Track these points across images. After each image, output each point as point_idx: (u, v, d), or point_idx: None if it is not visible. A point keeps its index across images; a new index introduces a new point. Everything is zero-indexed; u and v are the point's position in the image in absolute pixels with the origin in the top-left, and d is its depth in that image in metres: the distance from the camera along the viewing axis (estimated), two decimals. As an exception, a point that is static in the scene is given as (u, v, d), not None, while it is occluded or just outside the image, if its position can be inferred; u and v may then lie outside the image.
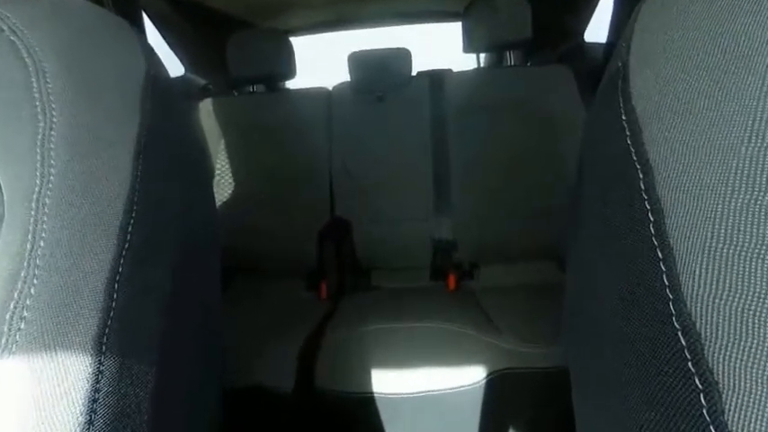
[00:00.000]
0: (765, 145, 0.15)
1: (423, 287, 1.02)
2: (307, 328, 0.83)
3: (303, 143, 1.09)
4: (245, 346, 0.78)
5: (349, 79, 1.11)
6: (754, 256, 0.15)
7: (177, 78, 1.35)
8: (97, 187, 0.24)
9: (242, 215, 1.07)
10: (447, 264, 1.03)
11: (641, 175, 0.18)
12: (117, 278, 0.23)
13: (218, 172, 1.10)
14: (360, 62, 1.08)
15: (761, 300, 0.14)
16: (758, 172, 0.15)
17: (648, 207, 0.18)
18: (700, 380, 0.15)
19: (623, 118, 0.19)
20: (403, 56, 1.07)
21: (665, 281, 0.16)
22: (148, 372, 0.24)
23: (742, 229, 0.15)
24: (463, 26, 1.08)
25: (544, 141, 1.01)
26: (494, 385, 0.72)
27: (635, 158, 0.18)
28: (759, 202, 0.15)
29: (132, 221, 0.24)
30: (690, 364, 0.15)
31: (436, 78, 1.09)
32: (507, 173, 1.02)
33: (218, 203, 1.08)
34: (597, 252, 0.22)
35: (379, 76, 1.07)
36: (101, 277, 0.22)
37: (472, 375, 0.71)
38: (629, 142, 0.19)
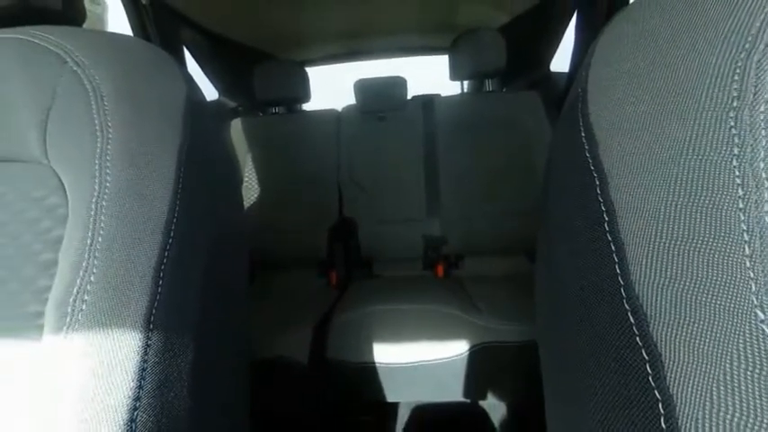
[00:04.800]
0: (700, 157, 0.15)
1: (416, 275, 1.02)
2: (320, 311, 0.83)
3: (316, 155, 1.09)
4: (268, 325, 0.78)
5: (354, 102, 1.11)
6: (691, 248, 0.15)
7: (212, 102, 1.35)
8: (146, 191, 0.24)
9: (265, 216, 1.07)
10: (437, 256, 1.03)
11: (597, 182, 0.18)
12: (162, 267, 0.23)
13: (245, 180, 1.10)
14: (364, 88, 1.08)
15: (697, 285, 0.14)
16: (694, 179, 0.15)
17: (603, 209, 0.18)
18: (646, 351, 0.15)
19: (583, 135, 0.19)
20: (400, 83, 1.08)
21: (617, 270, 0.17)
22: (188, 347, 0.24)
23: (681, 225, 0.15)
24: (449, 58, 1.08)
25: (518, 155, 1.02)
26: (475, 356, 0.71)
27: (592, 168, 0.18)
28: (695, 204, 0.15)
29: (175, 220, 0.24)
30: (638, 338, 0.15)
31: (428, 102, 1.09)
32: (487, 181, 1.02)
33: (245, 207, 1.08)
34: (561, 247, 0.22)
35: (381, 99, 1.07)
36: (149, 266, 0.22)
37: (457, 348, 0.71)
38: (587, 155, 0.19)
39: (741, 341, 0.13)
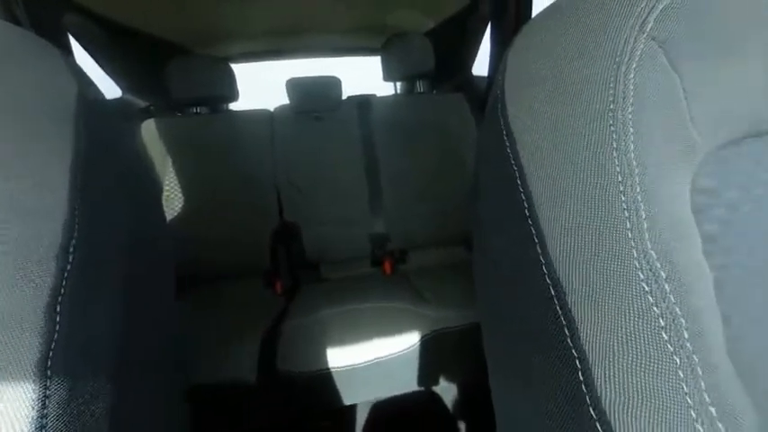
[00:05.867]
0: (592, 151, 0.18)
1: (364, 274, 1.02)
2: (266, 321, 0.78)
3: (249, 158, 1.02)
4: (210, 345, 0.71)
5: (287, 102, 1.07)
6: (591, 228, 0.17)
7: (114, 100, 1.17)
8: (30, 207, 0.19)
9: (196, 227, 0.96)
10: (382, 253, 1.05)
11: (517, 174, 0.20)
12: (59, 299, 0.19)
13: (166, 189, 0.98)
14: (297, 87, 1.04)
15: (596, 258, 0.17)
16: (589, 169, 0.18)
17: (524, 198, 0.20)
18: (564, 319, 0.17)
19: (504, 132, 0.21)
20: (335, 83, 1.06)
21: (538, 249, 0.19)
22: (102, 390, 0.20)
23: (582, 209, 0.18)
24: (382, 60, 1.10)
25: (450, 153, 1.09)
26: (426, 345, 0.75)
27: (513, 162, 0.20)
28: (591, 190, 0.18)
29: (74, 241, 0.20)
30: (558, 308, 0.18)
31: (363, 102, 1.10)
32: (424, 179, 1.06)
33: (169, 218, 0.96)
34: (492, 234, 0.24)
35: (315, 99, 1.05)
36: (40, 301, 0.18)
37: (409, 340, 0.74)
38: (508, 150, 0.21)
39: (630, 299, 0.16)
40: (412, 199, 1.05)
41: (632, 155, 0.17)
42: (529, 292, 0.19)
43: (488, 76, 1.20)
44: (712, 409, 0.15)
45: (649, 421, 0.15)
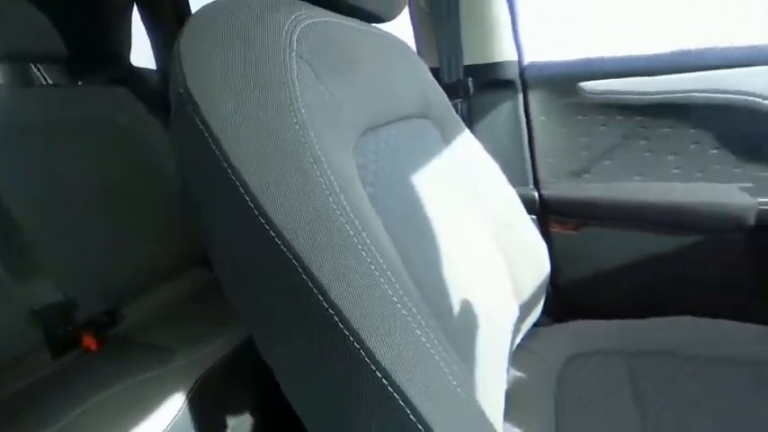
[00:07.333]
0: (288, 142, 0.22)
1: (55, 370, 0.63)
2: None
3: None
4: None
5: None
6: (298, 201, 0.22)
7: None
8: None
9: None
10: (71, 328, 0.68)
11: (228, 168, 0.22)
12: None
13: None
14: None
15: (309, 218, 0.22)
16: (289, 155, 0.22)
17: (242, 191, 0.22)
18: (306, 274, 0.21)
19: (202, 128, 0.22)
20: None
21: (272, 234, 0.21)
22: None
23: (279, 174, 0.22)
24: None
25: (130, 158, 0.83)
26: (196, 400, 0.59)
27: (218, 153, 0.22)
28: (295, 169, 0.22)
29: None
30: (292, 260, 0.21)
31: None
32: (100, 196, 0.75)
33: None
34: (221, 234, 0.25)
35: None
36: None
37: (170, 411, 0.55)
38: (211, 144, 0.22)
39: (332, 230, 0.22)
40: (88, 229, 0.73)
41: (315, 145, 0.22)
42: (270, 267, 0.22)
43: (158, 68, 1.01)
44: (397, 285, 0.23)
45: (357, 298, 0.21)
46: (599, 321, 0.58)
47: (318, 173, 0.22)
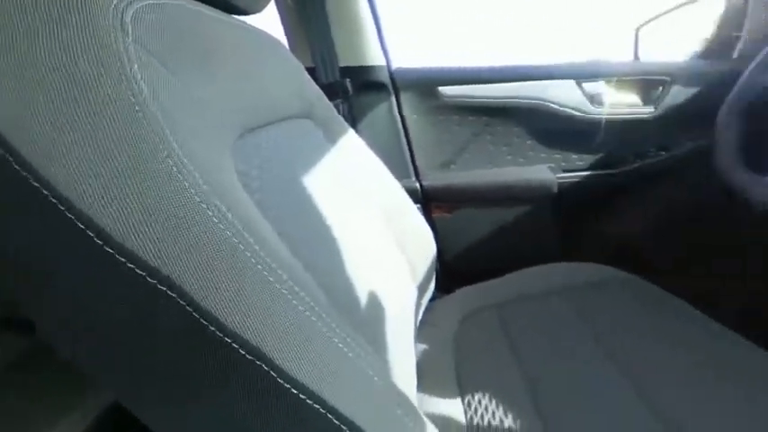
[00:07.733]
0: (138, 141, 0.19)
1: None
2: None
3: None
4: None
5: None
6: (147, 216, 0.19)
7: None
8: None
9: None
10: None
11: (18, 167, 0.18)
12: None
13: None
14: None
15: (178, 216, 0.19)
16: (142, 159, 0.19)
17: (39, 188, 0.18)
18: (150, 276, 0.18)
19: (12, 162, 0.18)
20: None
21: (75, 221, 0.18)
22: None
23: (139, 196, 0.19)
24: None
25: None
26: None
27: (11, 159, 0.18)
28: (154, 173, 0.19)
29: None
30: (147, 277, 0.18)
31: None
32: None
33: None
34: (65, 279, 0.20)
35: None
36: None
37: None
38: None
39: (209, 237, 0.19)
40: None
41: (175, 146, 0.20)
42: (112, 283, 0.19)
43: None
44: (291, 282, 0.22)
45: (263, 320, 0.20)
46: (479, 284, 0.71)
47: (187, 184, 0.19)
